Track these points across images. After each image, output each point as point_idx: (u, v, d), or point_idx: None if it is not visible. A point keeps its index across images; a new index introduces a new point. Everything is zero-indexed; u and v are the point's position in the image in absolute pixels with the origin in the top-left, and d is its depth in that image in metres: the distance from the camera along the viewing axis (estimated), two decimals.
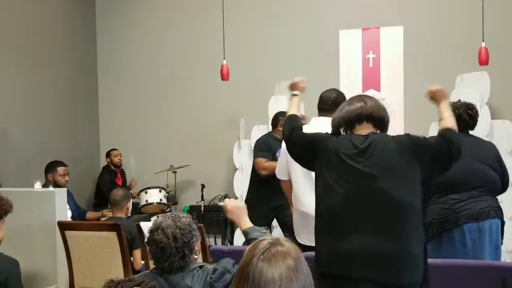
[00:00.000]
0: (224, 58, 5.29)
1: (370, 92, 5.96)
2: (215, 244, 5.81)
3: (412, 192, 2.01)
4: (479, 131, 5.01)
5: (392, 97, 5.88)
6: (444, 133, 2.14)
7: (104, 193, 5.73)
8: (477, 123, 3.15)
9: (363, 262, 1.98)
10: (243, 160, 5.69)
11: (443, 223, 2.78)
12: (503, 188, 3.02)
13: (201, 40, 6.26)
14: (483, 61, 4.62)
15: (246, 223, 2.01)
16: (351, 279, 1.98)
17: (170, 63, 6.41)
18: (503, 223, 2.92)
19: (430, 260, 2.15)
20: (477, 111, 3.09)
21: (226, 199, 2.13)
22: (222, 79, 5.30)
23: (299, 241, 2.89)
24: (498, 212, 2.88)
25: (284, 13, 6.10)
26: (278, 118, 4.30)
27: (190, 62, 6.32)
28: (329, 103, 2.96)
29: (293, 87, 2.62)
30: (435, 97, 2.36)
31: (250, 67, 6.09)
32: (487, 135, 5.03)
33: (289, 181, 3.00)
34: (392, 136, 2.12)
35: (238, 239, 5.70)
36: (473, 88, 5.13)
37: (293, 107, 2.48)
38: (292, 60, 6.02)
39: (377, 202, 1.99)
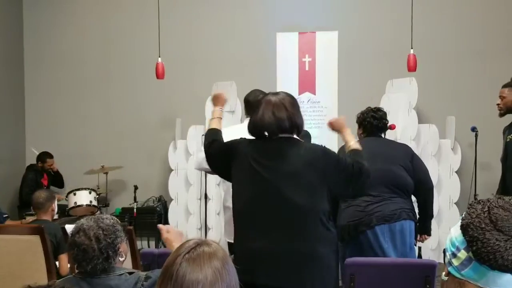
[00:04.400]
0: (159, 56, 5.17)
1: (306, 95, 6.08)
2: (149, 247, 5.66)
3: (314, 196, 2.04)
4: (407, 134, 5.27)
5: (326, 100, 6.02)
6: (356, 156, 2.19)
7: (23, 195, 5.41)
8: (387, 124, 3.17)
9: (266, 264, 2.01)
10: (179, 161, 5.59)
11: (357, 225, 2.83)
12: (422, 188, 3.01)
13: (135, 37, 6.08)
14: (411, 68, 4.83)
15: None
16: (253, 282, 2.01)
17: (102, 59, 6.18)
18: (416, 224, 2.98)
19: (354, 259, 2.20)
20: (384, 113, 3.10)
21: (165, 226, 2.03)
22: (157, 77, 5.17)
23: (231, 241, 2.86)
24: (410, 214, 2.91)
25: (222, 13, 6.07)
26: None
27: (124, 59, 6.13)
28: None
29: (217, 100, 2.52)
30: (335, 128, 2.42)
31: (187, 66, 6.00)
32: (414, 138, 5.28)
33: None
34: (304, 143, 2.16)
35: None
36: (402, 93, 5.36)
37: (216, 122, 2.41)
38: (229, 61, 6.00)
39: (279, 205, 2.02)
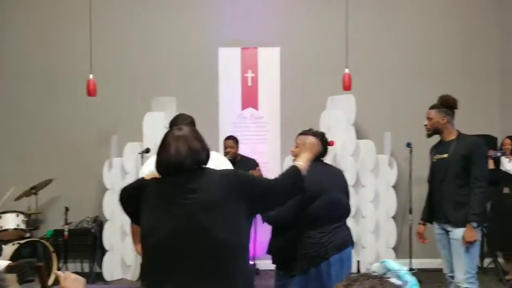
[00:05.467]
0: (91, 73, 4.95)
1: (249, 111, 6.03)
2: (82, 269, 5.41)
3: (233, 229, 1.96)
4: (346, 150, 5.30)
5: (269, 116, 6.00)
6: (291, 172, 2.15)
7: None
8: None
9: None
10: (114, 179, 5.39)
11: (313, 257, 2.78)
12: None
13: (69, 51, 5.81)
14: (347, 87, 4.86)
15: None
16: None
17: (32, 71, 5.84)
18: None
19: None
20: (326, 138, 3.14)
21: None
22: (88, 94, 4.94)
23: None
24: (352, 239, 2.98)
25: (162, 27, 5.93)
26: None
27: (56, 73, 5.82)
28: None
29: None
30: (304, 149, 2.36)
31: (124, 81, 5.82)
32: (353, 154, 5.31)
33: None
34: (217, 170, 2.08)
35: (109, 263, 5.38)
36: (341, 109, 5.40)
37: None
38: (170, 75, 5.88)
39: (197, 241, 1.92)
